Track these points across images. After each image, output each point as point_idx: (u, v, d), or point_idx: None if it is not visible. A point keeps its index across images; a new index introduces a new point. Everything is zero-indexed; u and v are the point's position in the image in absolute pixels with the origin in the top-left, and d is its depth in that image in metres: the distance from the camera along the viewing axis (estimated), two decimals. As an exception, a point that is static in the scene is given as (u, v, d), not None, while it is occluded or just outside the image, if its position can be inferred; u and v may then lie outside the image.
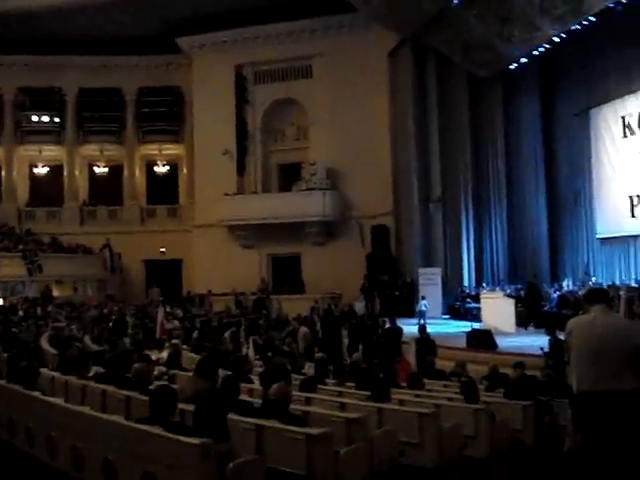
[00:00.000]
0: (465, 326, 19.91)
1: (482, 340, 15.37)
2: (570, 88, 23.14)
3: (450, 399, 7.67)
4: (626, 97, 20.93)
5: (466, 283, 24.65)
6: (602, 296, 4.80)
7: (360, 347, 16.16)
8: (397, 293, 24.98)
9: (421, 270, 24.69)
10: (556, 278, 23.35)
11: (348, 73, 26.53)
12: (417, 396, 7.78)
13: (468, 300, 23.19)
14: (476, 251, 25.13)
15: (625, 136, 21.27)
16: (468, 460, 6.41)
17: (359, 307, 23.84)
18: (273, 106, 28.96)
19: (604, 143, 22.13)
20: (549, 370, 9.20)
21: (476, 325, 19.13)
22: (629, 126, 21.04)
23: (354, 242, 26.80)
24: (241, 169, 29.04)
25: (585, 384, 4.40)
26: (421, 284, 24.46)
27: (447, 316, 23.73)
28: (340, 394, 7.87)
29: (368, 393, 7.54)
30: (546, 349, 12.39)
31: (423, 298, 22.08)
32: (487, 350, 14.68)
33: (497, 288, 22.29)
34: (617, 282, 19.74)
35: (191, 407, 5.45)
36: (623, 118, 21.21)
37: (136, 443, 4.61)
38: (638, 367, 4.35)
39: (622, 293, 13.35)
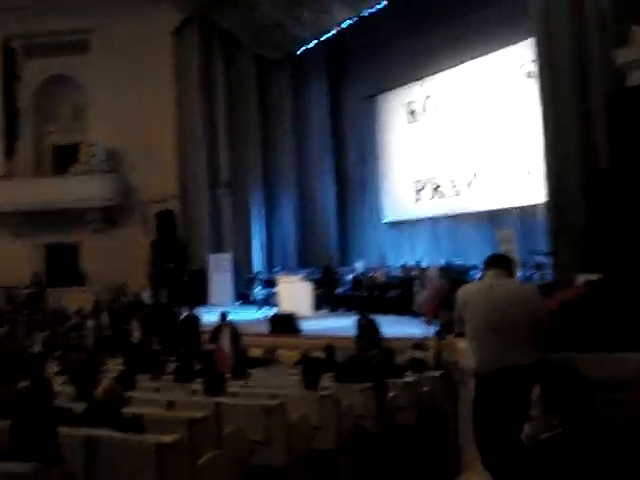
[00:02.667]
0: (260, 312, 19.70)
1: (286, 325, 14.96)
2: (358, 74, 23.34)
3: (281, 387, 7.05)
4: (411, 84, 21.49)
5: (257, 268, 24.30)
6: (499, 260, 4.31)
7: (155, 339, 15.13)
8: (186, 280, 24.01)
9: (211, 256, 23.99)
10: (345, 261, 23.65)
11: (131, 50, 24.82)
12: (247, 386, 7.08)
13: (261, 285, 22.85)
14: (266, 236, 24.89)
15: (410, 122, 21.90)
16: (315, 454, 5.82)
17: (146, 296, 22.72)
18: (47, 83, 26.46)
19: (390, 129, 22.65)
20: (377, 350, 8.86)
21: (272, 310, 18.86)
22: (414, 113, 21.68)
23: (138, 229, 25.37)
24: (10, 151, 26.33)
25: (487, 362, 3.93)
26: (211, 271, 23.78)
27: (238, 302, 23.17)
28: (158, 390, 6.97)
29: (193, 387, 6.74)
30: (355, 330, 12.23)
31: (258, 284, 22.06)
32: (292, 334, 14.30)
33: (290, 272, 22.13)
34: (408, 264, 20.31)
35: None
36: (409, 104, 21.81)
37: None
38: (539, 334, 3.94)
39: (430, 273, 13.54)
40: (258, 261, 24.56)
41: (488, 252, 17.79)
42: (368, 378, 7.19)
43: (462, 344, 4.38)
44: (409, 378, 7.72)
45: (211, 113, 24.40)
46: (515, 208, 18.78)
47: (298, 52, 23.16)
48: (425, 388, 7.67)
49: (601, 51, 10.56)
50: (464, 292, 4.25)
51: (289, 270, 23.08)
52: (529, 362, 3.81)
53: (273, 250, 25.00)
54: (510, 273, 4.18)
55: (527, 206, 18.42)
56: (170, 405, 5.71)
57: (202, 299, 22.81)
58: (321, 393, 6.20)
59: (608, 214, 11.52)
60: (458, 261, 18.57)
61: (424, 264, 18.48)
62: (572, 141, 12.04)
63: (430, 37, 20.35)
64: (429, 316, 12.68)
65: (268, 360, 11.02)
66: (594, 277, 8.51)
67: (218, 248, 24.31)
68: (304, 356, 10.98)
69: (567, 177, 12.19)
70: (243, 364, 8.58)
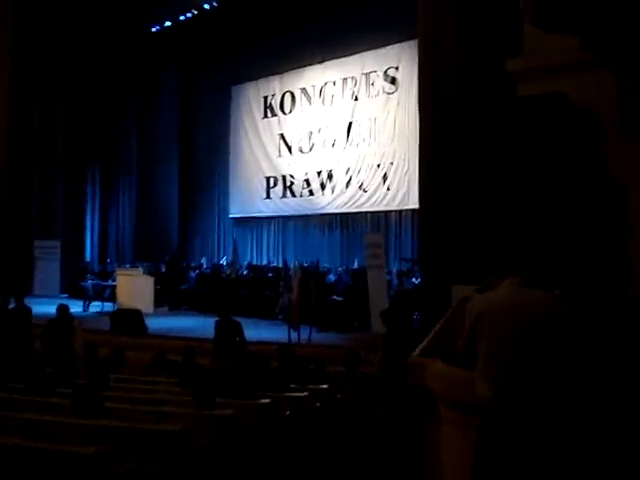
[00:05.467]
0: (94, 306, 18.33)
1: (130, 323, 13.57)
2: (214, 62, 22.25)
3: (160, 402, 5.98)
4: (270, 78, 20.75)
5: (89, 259, 22.52)
6: (517, 267, 3.47)
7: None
8: (8, 267, 21.73)
9: (37, 242, 21.88)
10: (185, 257, 22.47)
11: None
12: (115, 398, 5.92)
13: (92, 277, 21.10)
14: (101, 225, 23.16)
15: (266, 117, 21.12)
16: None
17: (-39, 283, 20.31)
18: None
19: (244, 122, 21.78)
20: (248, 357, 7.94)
21: (108, 305, 17.52)
22: (271, 107, 20.93)
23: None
24: None
25: (506, 391, 3.15)
26: (37, 258, 21.71)
27: (65, 295, 21.27)
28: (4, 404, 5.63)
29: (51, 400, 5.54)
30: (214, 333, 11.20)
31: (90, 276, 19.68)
32: (138, 335, 12.99)
33: (128, 265, 20.63)
34: (254, 262, 19.55)
35: None
36: (265, 98, 21.03)
37: None
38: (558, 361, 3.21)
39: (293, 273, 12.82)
40: (90, 251, 22.79)
41: (337, 256, 17.48)
42: (249, 391, 6.32)
43: (436, 365, 3.63)
44: (298, 392, 6.86)
45: (48, 88, 22.23)
46: (368, 213, 18.54)
47: (151, 31, 21.60)
48: (317, 404, 6.85)
49: (491, 56, 10.25)
50: (479, 303, 3.41)
51: (125, 262, 21.61)
52: (556, 396, 3.12)
53: (108, 240, 23.30)
54: (528, 282, 3.43)
55: (380, 212, 18.26)
56: (33, 430, 4.50)
57: (26, 289, 20.73)
58: (217, 413, 5.21)
59: (477, 223, 11.30)
60: (306, 263, 17.97)
61: (282, 265, 17.78)
62: (447, 147, 11.73)
63: (294, 32, 19.67)
64: (294, 320, 11.94)
65: (117, 363, 9.81)
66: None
67: (47, 234, 22.25)
68: (158, 358, 9.96)
69: (439, 183, 11.87)
70: (99, 369, 7.35)
